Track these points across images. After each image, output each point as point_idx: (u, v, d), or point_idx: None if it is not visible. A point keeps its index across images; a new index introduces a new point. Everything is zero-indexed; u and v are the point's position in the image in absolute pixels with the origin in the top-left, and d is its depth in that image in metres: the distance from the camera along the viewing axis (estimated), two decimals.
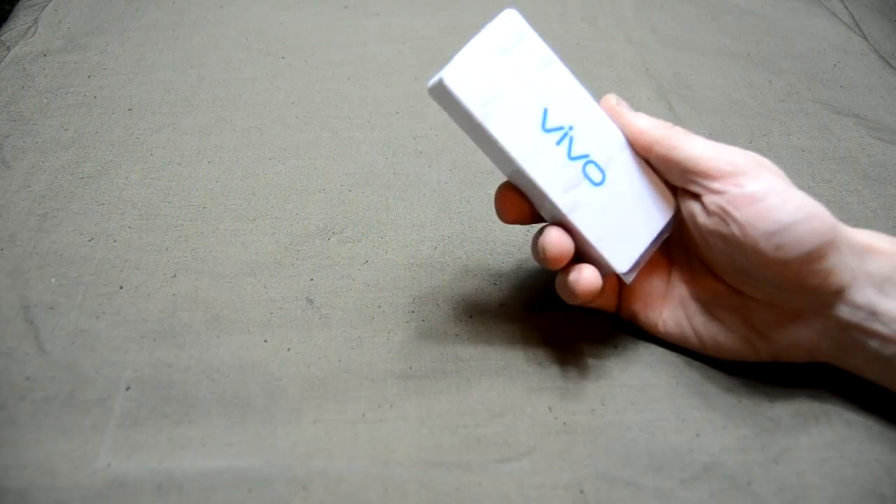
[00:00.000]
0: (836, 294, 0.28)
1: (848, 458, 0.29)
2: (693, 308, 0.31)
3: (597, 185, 0.30)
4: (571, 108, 0.30)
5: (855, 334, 0.28)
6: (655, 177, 0.31)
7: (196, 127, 0.44)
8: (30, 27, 0.53)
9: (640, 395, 0.31)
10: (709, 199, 0.29)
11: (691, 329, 0.31)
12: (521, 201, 0.31)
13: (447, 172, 0.42)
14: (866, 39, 0.55)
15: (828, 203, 0.29)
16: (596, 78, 0.49)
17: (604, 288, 0.31)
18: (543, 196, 0.29)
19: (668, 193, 0.31)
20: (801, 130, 0.46)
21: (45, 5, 0.55)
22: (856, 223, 0.29)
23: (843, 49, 0.53)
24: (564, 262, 0.30)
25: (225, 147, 0.43)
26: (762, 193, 0.27)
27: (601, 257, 0.30)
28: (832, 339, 0.29)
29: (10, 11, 0.58)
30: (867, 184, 0.42)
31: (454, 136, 0.44)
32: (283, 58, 0.50)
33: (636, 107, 0.47)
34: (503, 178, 0.32)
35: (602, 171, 0.30)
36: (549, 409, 0.30)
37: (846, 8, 0.59)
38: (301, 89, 0.48)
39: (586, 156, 0.30)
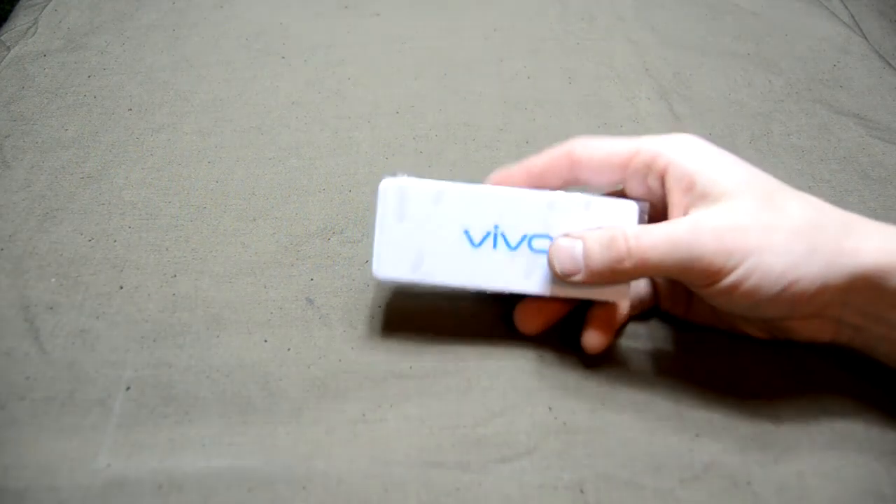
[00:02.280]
0: (843, 305, 0.28)
1: (848, 458, 0.29)
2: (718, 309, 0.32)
3: None
4: (484, 212, 0.30)
5: (866, 333, 0.29)
6: (599, 199, 0.31)
7: (196, 127, 0.44)
8: (30, 27, 0.53)
9: (640, 395, 0.31)
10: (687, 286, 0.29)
11: (717, 319, 0.32)
12: (534, 316, 0.32)
13: (447, 172, 0.42)
14: (866, 39, 0.55)
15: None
16: (596, 78, 0.49)
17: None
18: (515, 293, 0.31)
19: (620, 200, 0.30)
20: (801, 130, 0.46)
21: (45, 5, 0.55)
22: None
23: (843, 49, 0.53)
24: (539, 331, 0.32)
25: (225, 147, 0.43)
26: (737, 282, 0.27)
27: (599, 301, 0.31)
28: (848, 333, 0.29)
29: (10, 11, 0.58)
30: (867, 184, 0.42)
31: (454, 135, 0.44)
32: (283, 58, 0.51)
33: (636, 107, 0.47)
34: None
35: (547, 236, 0.30)
36: (549, 409, 0.30)
37: (846, 8, 0.59)
38: (301, 89, 0.48)
39: (524, 236, 0.31)
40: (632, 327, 0.34)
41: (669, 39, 0.54)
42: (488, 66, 0.50)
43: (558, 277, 0.30)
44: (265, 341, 0.33)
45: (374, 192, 0.30)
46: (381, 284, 0.35)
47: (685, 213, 0.29)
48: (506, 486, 0.28)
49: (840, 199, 0.41)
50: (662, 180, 0.29)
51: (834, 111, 0.47)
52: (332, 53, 0.51)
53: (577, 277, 0.29)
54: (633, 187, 0.31)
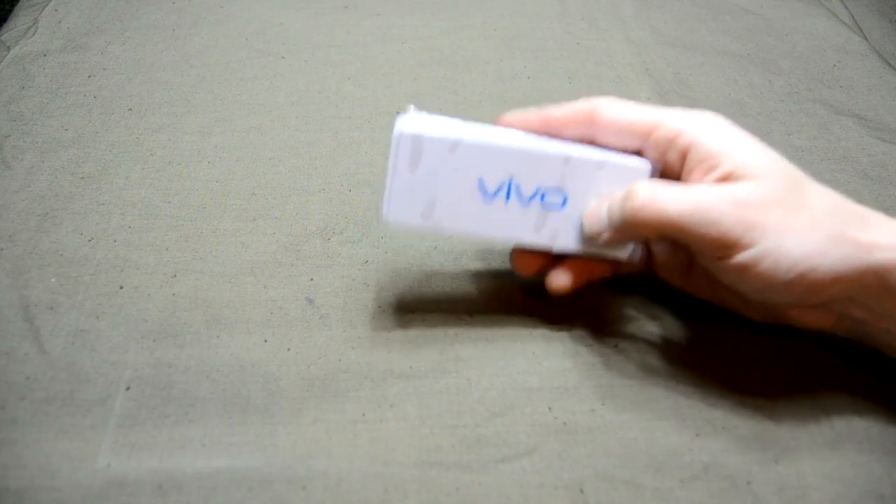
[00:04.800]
0: (850, 300, 0.28)
1: (848, 458, 0.29)
2: (718, 283, 0.31)
3: (563, 207, 0.31)
4: (499, 163, 0.30)
5: (867, 326, 0.29)
6: (613, 159, 0.30)
7: (196, 127, 0.44)
8: (30, 27, 0.53)
9: (640, 395, 0.31)
10: (698, 258, 0.29)
11: (715, 296, 0.32)
12: (532, 258, 0.32)
13: None
14: (866, 39, 0.55)
15: None
16: (596, 78, 0.49)
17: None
18: (524, 244, 0.32)
19: (634, 157, 0.31)
20: (801, 130, 0.46)
21: (45, 5, 0.55)
22: None
23: (843, 49, 0.53)
24: (536, 273, 0.32)
25: (225, 147, 0.43)
26: (752, 261, 0.27)
27: (601, 258, 0.32)
28: (848, 324, 0.29)
29: (10, 11, 0.58)
30: (867, 184, 0.42)
31: None
32: (283, 58, 0.51)
33: None
34: None
35: (560, 191, 0.30)
36: (549, 409, 0.30)
37: (846, 8, 0.60)
38: (301, 89, 0.48)
39: (537, 190, 0.30)
40: (632, 327, 0.34)
41: (669, 39, 0.54)
42: (488, 66, 0.50)
43: (590, 237, 0.31)
44: (265, 341, 0.33)
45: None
46: (380, 284, 0.35)
47: None
48: (506, 486, 0.28)
49: None
50: (683, 158, 0.29)
51: (834, 111, 0.47)
52: (332, 53, 0.51)
53: (605, 236, 0.30)
54: (651, 157, 0.30)
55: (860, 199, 0.41)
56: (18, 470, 0.28)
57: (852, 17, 0.58)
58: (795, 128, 0.46)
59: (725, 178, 0.28)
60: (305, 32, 0.53)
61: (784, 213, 0.27)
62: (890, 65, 0.52)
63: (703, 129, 0.29)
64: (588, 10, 0.57)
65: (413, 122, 0.29)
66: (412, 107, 0.30)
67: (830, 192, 0.28)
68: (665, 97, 0.48)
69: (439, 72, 0.50)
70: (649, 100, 0.47)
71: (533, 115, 0.31)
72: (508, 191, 0.30)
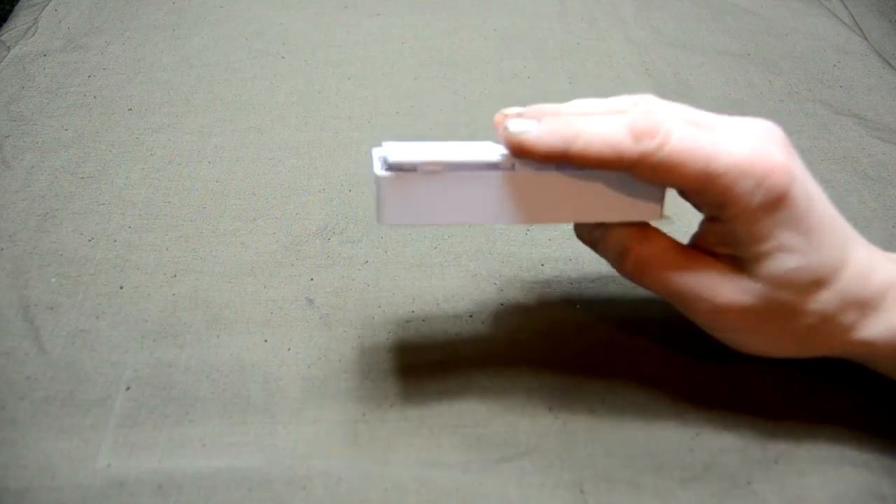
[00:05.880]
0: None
1: (848, 458, 0.29)
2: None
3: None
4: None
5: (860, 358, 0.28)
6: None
7: (196, 127, 0.44)
8: (30, 27, 0.53)
9: (640, 395, 0.31)
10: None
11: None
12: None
13: None
14: (866, 39, 0.55)
15: None
16: (596, 78, 0.49)
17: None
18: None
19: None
20: (801, 130, 0.46)
21: (45, 5, 0.55)
22: (855, 223, 0.28)
23: (843, 49, 0.53)
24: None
25: (225, 147, 0.43)
26: (769, 251, 0.25)
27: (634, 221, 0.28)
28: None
29: (10, 11, 0.58)
30: (867, 184, 0.42)
31: (454, 136, 0.44)
32: (283, 58, 0.51)
33: None
34: None
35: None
36: (549, 409, 0.30)
37: (846, 8, 0.60)
38: (301, 89, 0.48)
39: None
40: (632, 326, 0.34)
41: (669, 39, 0.54)
42: (488, 66, 0.50)
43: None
44: (265, 341, 0.33)
45: (374, 190, 0.29)
46: (380, 284, 0.35)
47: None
48: (506, 486, 0.28)
49: (840, 199, 0.41)
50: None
51: (834, 111, 0.47)
52: (332, 53, 0.51)
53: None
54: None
55: (860, 198, 0.41)
56: (18, 470, 0.28)
57: (852, 17, 0.58)
58: (795, 128, 0.46)
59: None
60: (305, 32, 0.53)
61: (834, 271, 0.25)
62: (890, 65, 0.52)
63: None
64: (588, 10, 0.57)
65: (390, 153, 0.27)
66: (385, 143, 0.27)
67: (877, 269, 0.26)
68: (665, 97, 0.48)
69: (439, 72, 0.50)
70: None
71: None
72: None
